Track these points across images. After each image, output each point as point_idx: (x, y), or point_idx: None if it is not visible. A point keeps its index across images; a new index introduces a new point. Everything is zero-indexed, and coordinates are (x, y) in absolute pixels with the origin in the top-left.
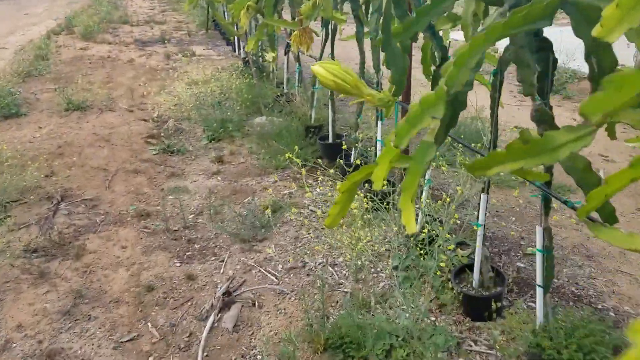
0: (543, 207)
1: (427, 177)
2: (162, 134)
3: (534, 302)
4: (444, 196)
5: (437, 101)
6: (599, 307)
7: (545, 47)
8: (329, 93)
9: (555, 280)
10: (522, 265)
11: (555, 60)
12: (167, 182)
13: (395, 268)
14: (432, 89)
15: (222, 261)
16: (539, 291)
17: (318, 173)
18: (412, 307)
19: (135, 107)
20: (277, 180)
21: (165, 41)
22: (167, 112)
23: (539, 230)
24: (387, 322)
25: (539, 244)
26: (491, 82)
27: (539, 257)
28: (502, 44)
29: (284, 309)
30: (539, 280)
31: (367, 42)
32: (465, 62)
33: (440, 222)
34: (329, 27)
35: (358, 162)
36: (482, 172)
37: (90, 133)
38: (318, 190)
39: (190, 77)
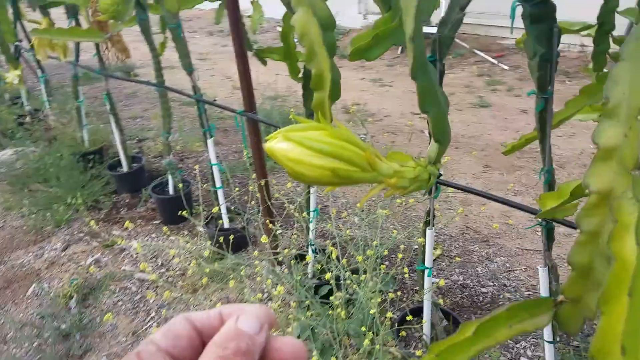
0: (546, 240)
1: None
2: None
3: None
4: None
5: None
6: None
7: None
8: (108, 105)
9: (483, 290)
10: None
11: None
12: None
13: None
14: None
15: None
16: (549, 347)
17: (123, 216)
18: None
19: None
20: (67, 244)
21: None
22: None
23: (542, 272)
24: None
25: (543, 290)
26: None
27: None
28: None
29: None
30: (547, 335)
31: None
32: None
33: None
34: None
35: (180, 185)
36: None
37: None
38: (135, 243)
39: None
